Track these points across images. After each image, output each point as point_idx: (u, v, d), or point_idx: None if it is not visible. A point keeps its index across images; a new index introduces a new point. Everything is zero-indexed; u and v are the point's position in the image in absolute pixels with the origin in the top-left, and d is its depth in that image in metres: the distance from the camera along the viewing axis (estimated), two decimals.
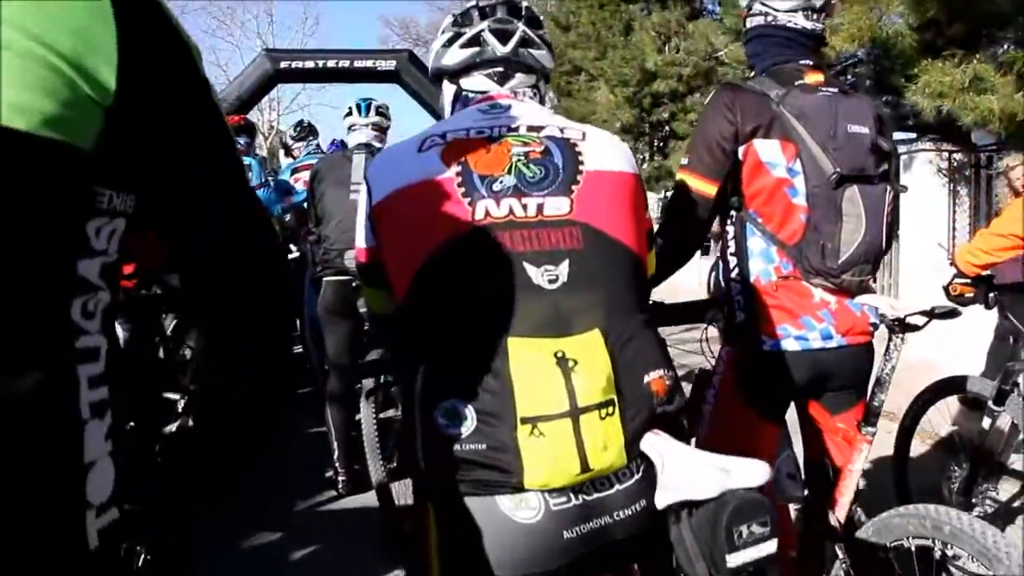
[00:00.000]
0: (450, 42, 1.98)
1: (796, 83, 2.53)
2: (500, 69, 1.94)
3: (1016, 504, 4.70)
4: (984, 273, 3.84)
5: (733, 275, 2.63)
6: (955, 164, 8.26)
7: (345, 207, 4.63)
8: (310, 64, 19.66)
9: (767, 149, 2.49)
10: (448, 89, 2.04)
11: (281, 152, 9.06)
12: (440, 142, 1.75)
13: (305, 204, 5.57)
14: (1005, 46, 7.46)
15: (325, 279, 4.77)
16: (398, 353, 2.63)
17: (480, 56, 1.94)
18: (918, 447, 4.53)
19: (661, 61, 15.31)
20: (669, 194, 2.70)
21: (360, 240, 1.90)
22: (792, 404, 2.71)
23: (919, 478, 4.19)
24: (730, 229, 2.64)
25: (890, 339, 2.52)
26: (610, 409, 1.54)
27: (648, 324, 1.71)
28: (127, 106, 0.92)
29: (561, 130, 1.80)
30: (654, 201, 19.12)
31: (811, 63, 2.62)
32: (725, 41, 14.33)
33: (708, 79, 15.07)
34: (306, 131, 8.18)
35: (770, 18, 2.65)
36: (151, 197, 1.02)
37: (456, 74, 1.98)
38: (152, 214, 1.04)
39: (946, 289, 3.87)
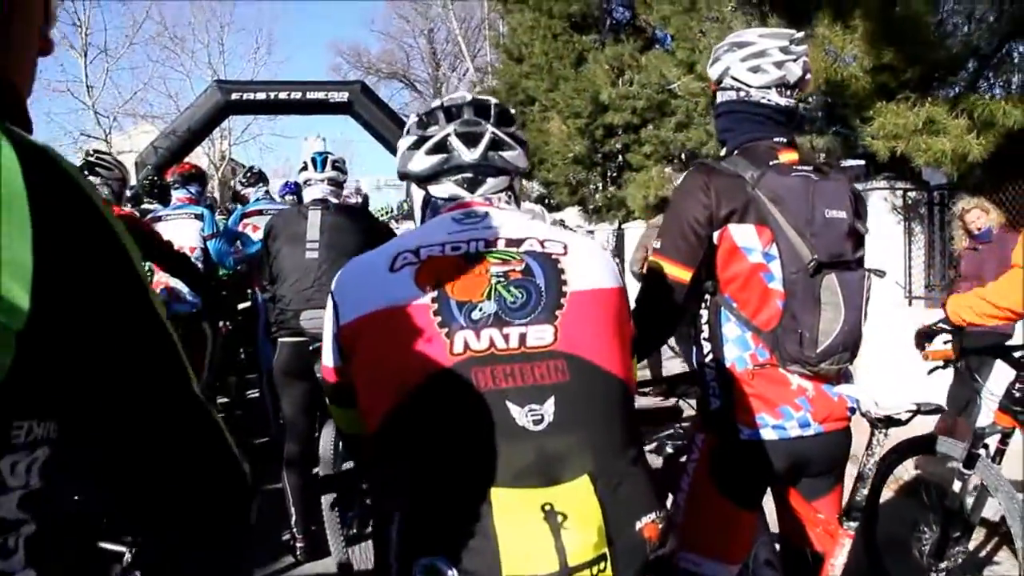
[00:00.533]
0: (415, 146, 1.89)
1: (770, 163, 2.47)
2: (470, 175, 1.84)
3: (983, 553, 4.70)
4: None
5: (707, 360, 2.55)
6: (909, 202, 8.32)
7: (301, 265, 4.53)
8: (262, 95, 19.58)
9: (742, 234, 2.42)
10: (417, 194, 1.94)
11: (230, 196, 8.91)
12: (414, 260, 1.65)
13: (258, 254, 5.47)
14: (957, 89, 7.55)
15: (280, 339, 4.62)
16: (371, 478, 2.48)
17: (447, 163, 1.84)
18: (884, 493, 4.48)
19: (615, 94, 15.32)
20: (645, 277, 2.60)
21: (327, 358, 1.79)
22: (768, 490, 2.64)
23: (886, 525, 4.15)
24: (704, 313, 2.56)
25: (872, 434, 2.46)
26: (602, 565, 1.44)
27: (637, 460, 1.62)
28: (45, 327, 0.79)
29: (542, 243, 1.70)
30: (608, 232, 19.18)
31: (785, 140, 2.56)
32: (678, 74, 14.33)
33: (662, 111, 15.08)
34: (256, 177, 8.07)
35: (743, 93, 2.59)
36: (79, 419, 0.89)
37: (424, 180, 1.89)
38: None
39: (924, 352, 3.75)
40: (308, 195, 4.86)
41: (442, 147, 1.84)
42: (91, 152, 5.07)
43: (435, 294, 1.59)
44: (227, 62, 32.80)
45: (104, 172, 4.92)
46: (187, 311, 5.85)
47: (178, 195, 6.67)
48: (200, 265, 6.12)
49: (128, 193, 8.79)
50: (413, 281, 1.61)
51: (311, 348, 4.35)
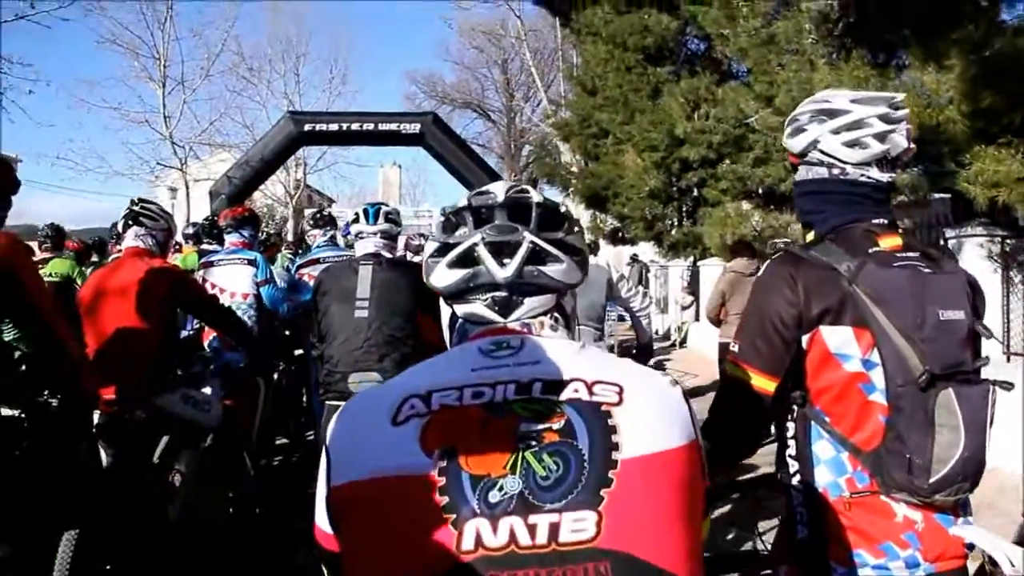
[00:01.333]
0: (438, 254, 1.54)
1: (869, 251, 2.10)
2: (502, 295, 1.48)
3: None
4: None
5: (794, 482, 2.18)
6: (1008, 249, 7.79)
7: (350, 324, 4.25)
8: (334, 126, 19.60)
9: (838, 337, 2.05)
10: (444, 309, 1.61)
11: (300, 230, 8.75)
12: (422, 411, 1.32)
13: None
14: None
15: (328, 402, 4.34)
16: None
17: (475, 279, 1.49)
18: None
19: (690, 128, 14.95)
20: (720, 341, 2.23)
21: (320, 518, 1.47)
22: None
23: None
24: (790, 427, 2.19)
25: None
26: None
27: None
28: None
29: (590, 388, 1.34)
30: (683, 268, 18.72)
31: (885, 222, 2.19)
32: (756, 107, 13.98)
33: (739, 146, 14.69)
34: (325, 221, 7.77)
35: (836, 171, 2.23)
36: None
37: (450, 296, 1.56)
38: None
39: None
40: (360, 249, 4.57)
41: (468, 259, 1.49)
42: (135, 201, 4.85)
43: (444, 463, 1.25)
44: (302, 91, 33.10)
45: (148, 223, 4.71)
46: (239, 362, 5.64)
47: (231, 239, 6.45)
48: (253, 312, 5.93)
49: (190, 230, 8.74)
50: (418, 442, 1.28)
51: None
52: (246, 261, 6.19)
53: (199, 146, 27.56)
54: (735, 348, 2.18)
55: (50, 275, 8.35)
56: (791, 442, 2.18)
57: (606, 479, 1.24)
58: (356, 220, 4.65)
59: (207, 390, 5.23)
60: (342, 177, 42.28)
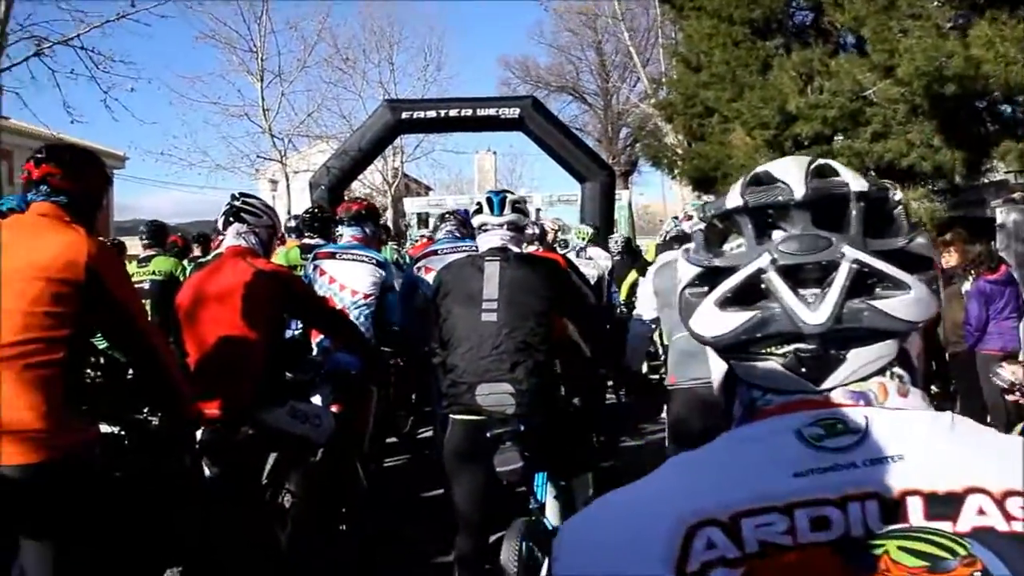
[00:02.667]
0: (699, 282, 1.03)
1: None
2: (811, 348, 0.93)
3: None
4: None
5: None
6: None
7: (476, 329, 3.75)
8: (432, 113, 19.39)
9: None
10: (714, 360, 1.10)
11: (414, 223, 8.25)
12: (731, 553, 0.80)
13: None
14: None
15: (452, 416, 3.88)
16: None
17: (765, 328, 0.96)
18: None
19: (803, 103, 14.18)
20: None
21: None
22: None
23: None
24: None
25: None
26: None
27: None
28: None
29: (1001, 504, 0.80)
30: None
31: None
32: (873, 78, 13.19)
33: (855, 120, 13.92)
34: (443, 220, 6.90)
35: None
36: None
37: (726, 349, 1.02)
38: None
39: None
40: (484, 243, 4.05)
41: (751, 294, 0.97)
42: (237, 195, 4.41)
43: None
44: (397, 80, 32.87)
45: (251, 219, 4.26)
46: (350, 366, 5.17)
47: (352, 232, 5.92)
48: (369, 313, 5.48)
49: (292, 223, 8.42)
50: None
51: (488, 434, 3.61)
52: (375, 262, 5.71)
53: (298, 138, 27.57)
54: None
55: (154, 273, 8.16)
56: None
57: None
58: (479, 210, 4.13)
59: (316, 399, 4.83)
60: (439, 164, 42.22)
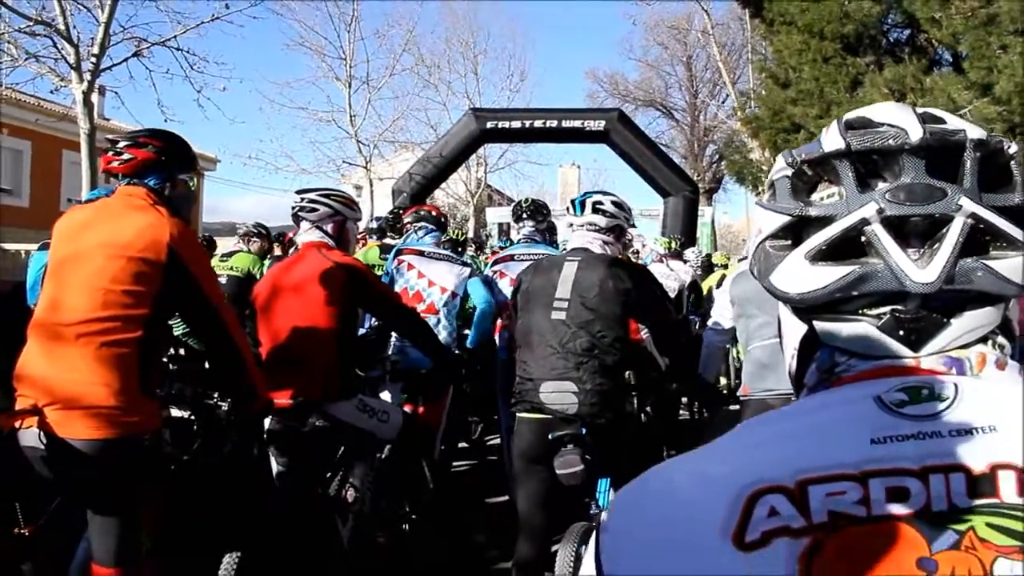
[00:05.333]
0: (788, 234, 0.94)
1: None
2: (913, 308, 0.86)
3: None
4: None
5: None
6: None
7: (547, 327, 3.73)
8: (517, 124, 19.41)
9: None
10: (789, 321, 1.01)
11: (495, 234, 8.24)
12: (796, 522, 0.74)
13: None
14: None
15: (518, 414, 3.84)
16: None
17: (864, 284, 0.87)
18: None
19: None
20: None
21: None
22: None
23: None
24: None
25: None
26: None
27: None
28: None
29: None
30: None
31: None
32: (969, 96, 12.86)
33: None
34: (526, 212, 6.36)
35: None
36: None
37: (808, 307, 0.94)
38: None
39: None
40: (571, 243, 4.08)
41: (850, 246, 0.89)
42: (297, 192, 4.41)
43: None
44: (482, 91, 33.09)
45: (311, 216, 4.25)
46: (423, 363, 5.13)
47: (431, 238, 6.10)
48: (449, 311, 5.50)
49: (374, 224, 8.49)
50: None
51: (552, 435, 3.56)
52: (461, 261, 5.84)
53: (383, 144, 27.91)
54: None
55: (231, 269, 8.33)
56: None
57: None
58: (571, 212, 4.13)
59: (385, 395, 4.84)
60: (523, 176, 42.11)
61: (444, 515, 5.60)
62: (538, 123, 19.06)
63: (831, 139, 0.93)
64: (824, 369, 0.93)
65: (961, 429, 0.77)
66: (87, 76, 12.01)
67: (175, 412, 5.09)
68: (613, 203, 4.07)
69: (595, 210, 4.02)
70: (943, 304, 0.86)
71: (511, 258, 6.08)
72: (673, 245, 10.01)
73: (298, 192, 4.42)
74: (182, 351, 5.91)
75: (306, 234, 4.28)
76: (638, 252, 10.44)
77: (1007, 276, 0.84)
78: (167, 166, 3.23)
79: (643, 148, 19.10)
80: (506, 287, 5.64)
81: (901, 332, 0.86)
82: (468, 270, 5.72)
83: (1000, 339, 0.89)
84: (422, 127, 29.89)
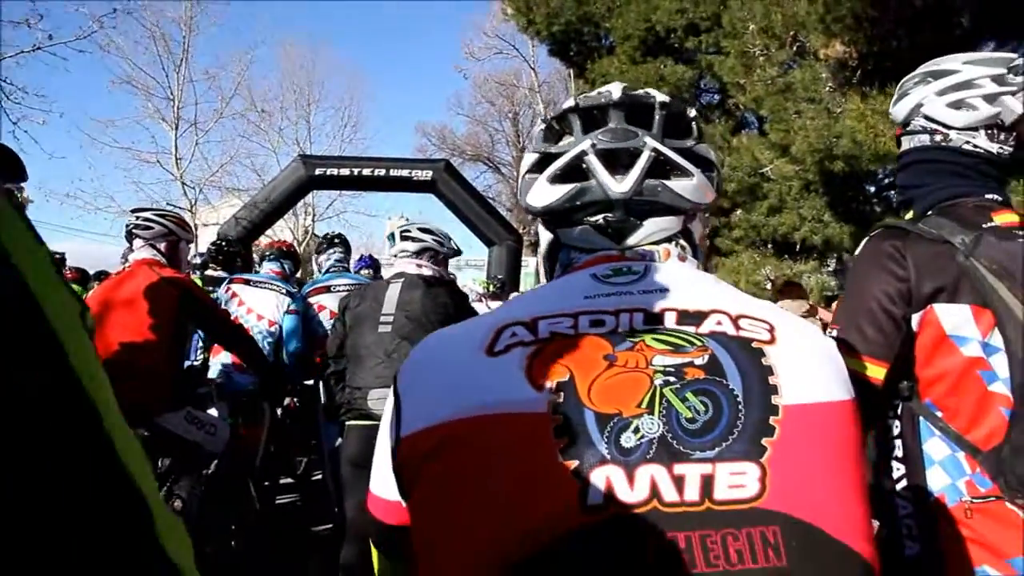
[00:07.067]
0: (537, 168, 1.29)
1: (984, 225, 1.84)
2: (617, 216, 1.22)
3: None
4: None
5: (899, 487, 1.89)
6: None
7: (374, 340, 4.01)
8: (345, 171, 19.44)
9: (953, 317, 1.79)
10: (544, 235, 1.34)
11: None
12: (528, 339, 1.04)
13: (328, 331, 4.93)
14: None
15: (348, 423, 4.04)
16: None
17: (583, 196, 1.22)
18: None
19: None
20: None
21: (378, 484, 1.17)
22: None
23: None
24: (895, 425, 1.91)
25: None
26: None
27: None
28: None
29: (735, 321, 1.06)
30: None
31: (999, 199, 1.93)
32: (770, 156, 13.89)
33: (753, 194, 14.60)
34: (336, 241, 6.98)
35: (939, 137, 1.99)
36: None
37: (552, 218, 1.29)
38: None
39: None
40: (393, 269, 4.43)
41: (575, 172, 1.24)
42: (132, 211, 4.58)
43: (561, 398, 0.96)
44: (313, 140, 33.05)
45: (145, 233, 4.40)
46: (247, 386, 5.32)
47: (271, 267, 6.27)
48: (271, 340, 5.63)
49: (197, 260, 8.48)
50: (524, 373, 0.99)
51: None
52: (285, 291, 5.90)
53: (209, 189, 27.35)
54: (833, 334, 1.91)
55: None
56: (896, 442, 1.90)
57: (767, 427, 0.94)
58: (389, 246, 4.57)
59: (213, 411, 4.93)
60: (351, 226, 41.92)
61: (268, 537, 5.69)
62: (366, 171, 19.20)
63: (567, 102, 1.32)
64: (564, 264, 1.28)
65: (644, 290, 1.12)
66: None
67: None
68: (420, 229, 4.49)
69: (403, 238, 4.42)
70: (638, 213, 1.23)
71: (327, 289, 6.30)
72: (491, 287, 10.47)
73: (133, 211, 4.52)
74: None
75: (139, 251, 4.39)
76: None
77: (680, 193, 1.22)
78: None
79: (468, 198, 19.51)
80: (326, 319, 5.89)
81: (610, 231, 1.23)
82: (287, 300, 5.83)
83: (682, 242, 1.26)
84: (250, 174, 29.45)
